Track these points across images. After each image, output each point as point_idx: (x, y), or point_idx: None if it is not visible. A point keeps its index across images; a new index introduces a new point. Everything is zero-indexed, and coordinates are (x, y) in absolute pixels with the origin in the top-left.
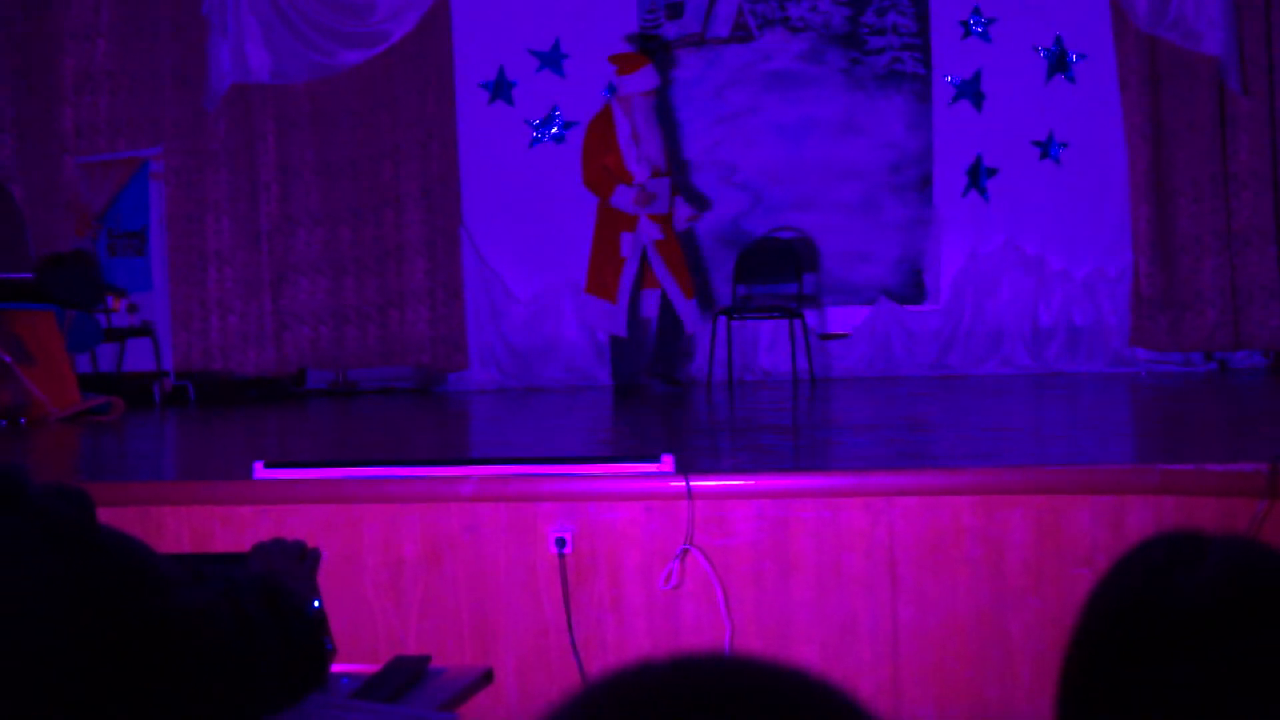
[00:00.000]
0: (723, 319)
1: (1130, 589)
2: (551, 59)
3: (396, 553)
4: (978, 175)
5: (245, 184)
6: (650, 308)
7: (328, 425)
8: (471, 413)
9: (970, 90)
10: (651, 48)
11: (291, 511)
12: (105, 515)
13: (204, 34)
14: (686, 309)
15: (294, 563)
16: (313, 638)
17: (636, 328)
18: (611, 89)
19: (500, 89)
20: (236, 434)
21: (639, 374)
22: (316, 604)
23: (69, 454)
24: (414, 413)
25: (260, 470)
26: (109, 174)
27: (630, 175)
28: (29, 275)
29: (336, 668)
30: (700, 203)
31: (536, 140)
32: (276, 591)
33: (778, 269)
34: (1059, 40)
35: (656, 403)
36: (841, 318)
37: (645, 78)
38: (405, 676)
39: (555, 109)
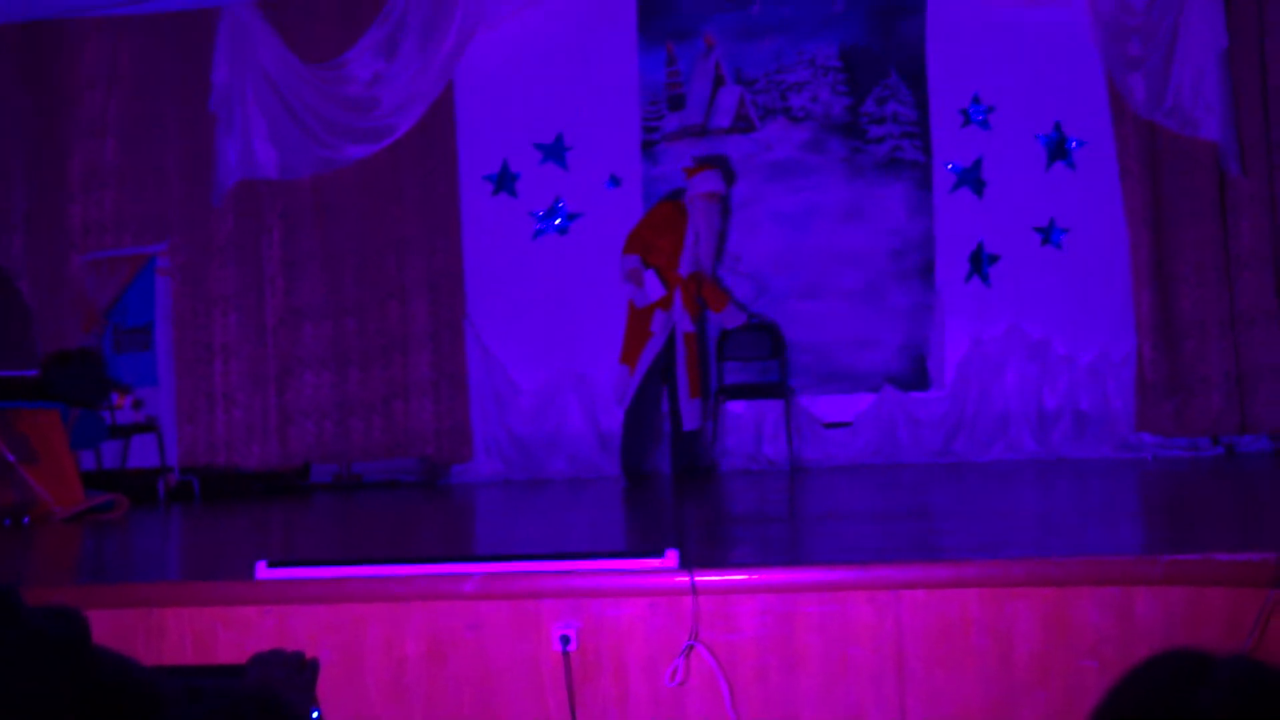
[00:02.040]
0: (724, 407)
1: (1138, 709)
2: (555, 151)
3: (399, 652)
4: (980, 261)
5: (251, 278)
6: (665, 400)
7: (331, 521)
8: (476, 506)
9: (971, 177)
10: (714, 158)
11: (294, 612)
12: (108, 617)
13: (211, 130)
14: (689, 407)
15: (293, 673)
16: None
17: (650, 414)
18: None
19: (504, 181)
20: (240, 531)
21: (643, 461)
22: (316, 715)
23: (71, 554)
24: (418, 507)
25: (263, 570)
26: (115, 270)
27: (674, 266)
28: (34, 373)
29: None
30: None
31: (540, 232)
32: (274, 705)
33: (757, 351)
34: (1058, 127)
35: (660, 495)
36: (845, 405)
37: (707, 180)
38: None
39: (559, 200)
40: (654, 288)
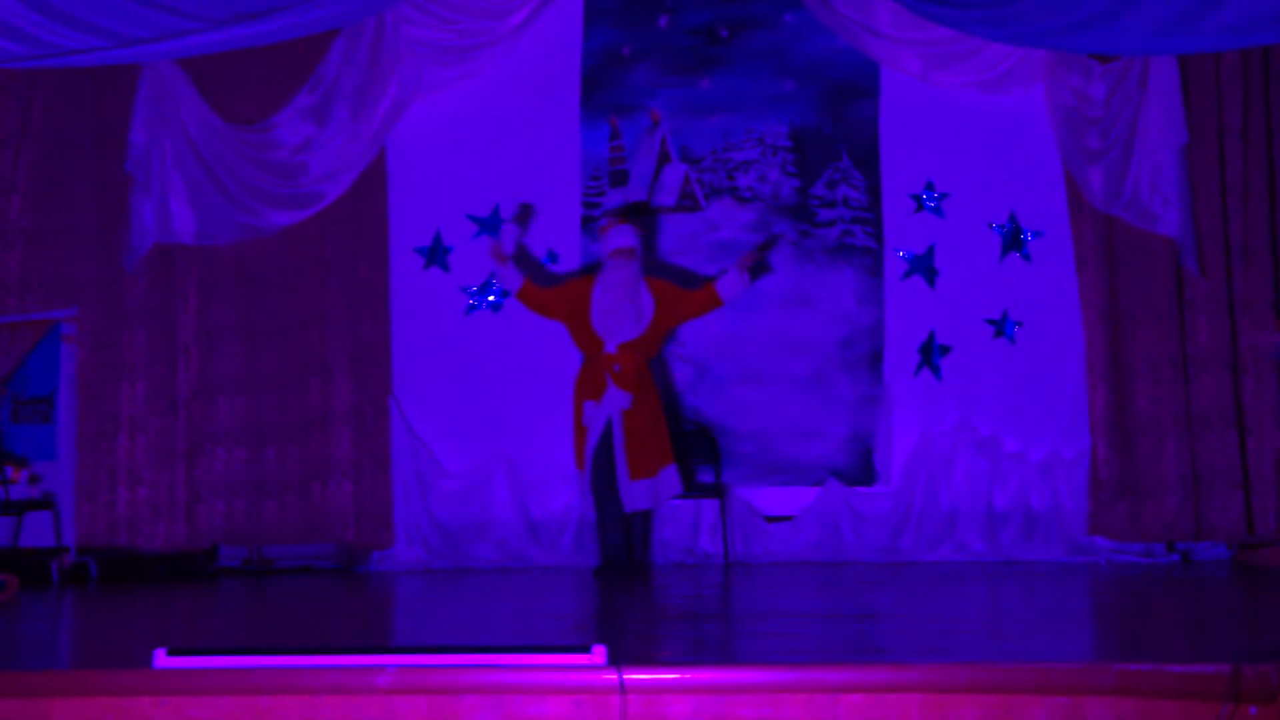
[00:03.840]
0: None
1: None
2: (490, 225)
3: None
4: (930, 352)
5: (164, 347)
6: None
7: (239, 607)
8: (395, 595)
9: (923, 265)
10: (629, 208)
11: (194, 704)
12: None
13: (127, 191)
14: (628, 490)
15: None
16: None
17: (609, 505)
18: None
19: (436, 254)
20: (139, 617)
21: (618, 552)
22: None
23: None
24: (333, 594)
25: (161, 658)
26: (17, 335)
27: (597, 342)
28: None
29: None
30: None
31: (473, 308)
32: None
33: (695, 453)
34: (1013, 217)
35: (590, 588)
36: (788, 498)
37: (618, 235)
38: None
39: (493, 276)
40: (509, 237)
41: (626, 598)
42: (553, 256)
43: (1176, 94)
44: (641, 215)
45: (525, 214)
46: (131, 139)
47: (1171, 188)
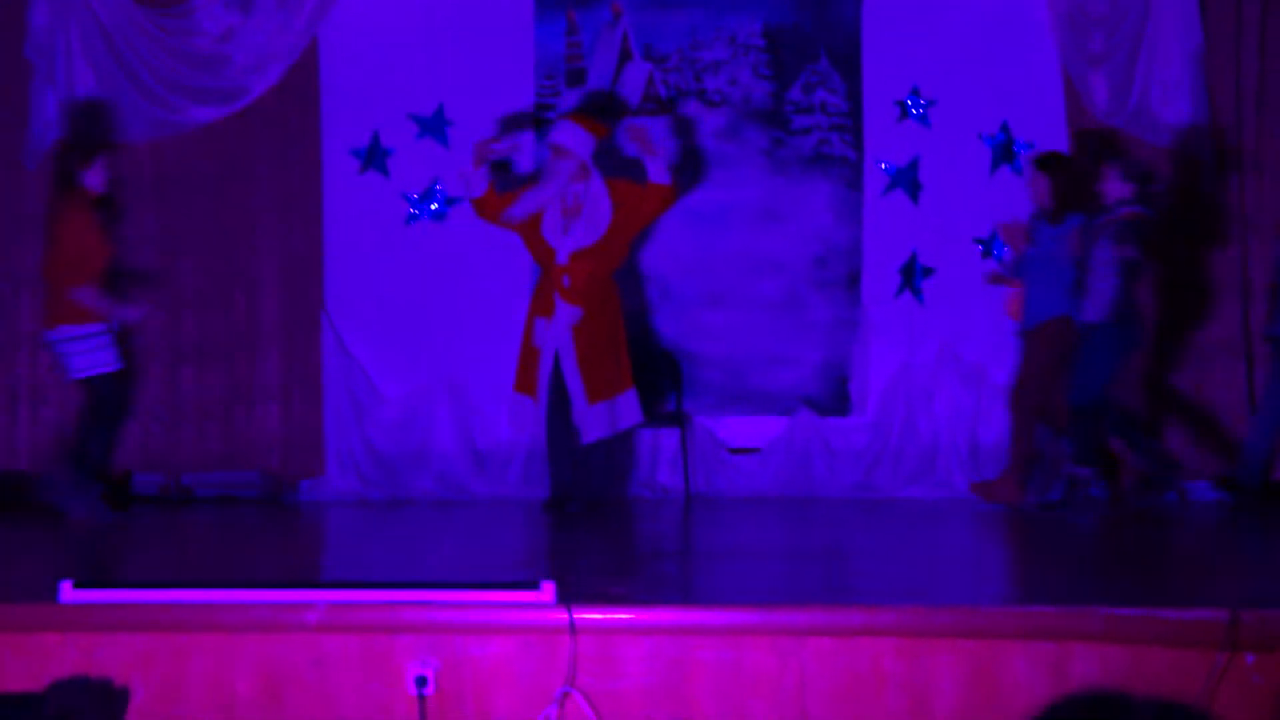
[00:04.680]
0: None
1: None
2: (434, 126)
3: (228, 690)
4: (912, 274)
5: None
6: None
7: (153, 538)
8: (325, 527)
9: (906, 179)
10: (586, 103)
11: (103, 641)
12: None
13: (26, 81)
14: (587, 416)
15: (97, 704)
16: None
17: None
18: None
19: (374, 157)
20: (43, 548)
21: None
22: None
23: None
24: (257, 526)
25: (68, 591)
26: None
27: (549, 252)
28: None
29: None
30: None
31: (414, 217)
32: None
33: (654, 381)
34: (1006, 127)
35: (540, 523)
36: (754, 429)
37: (560, 131)
38: None
39: (436, 182)
40: (507, 143)
41: (578, 534)
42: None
43: None
44: (604, 114)
45: (522, 122)
46: (31, 21)
47: (1184, 96)
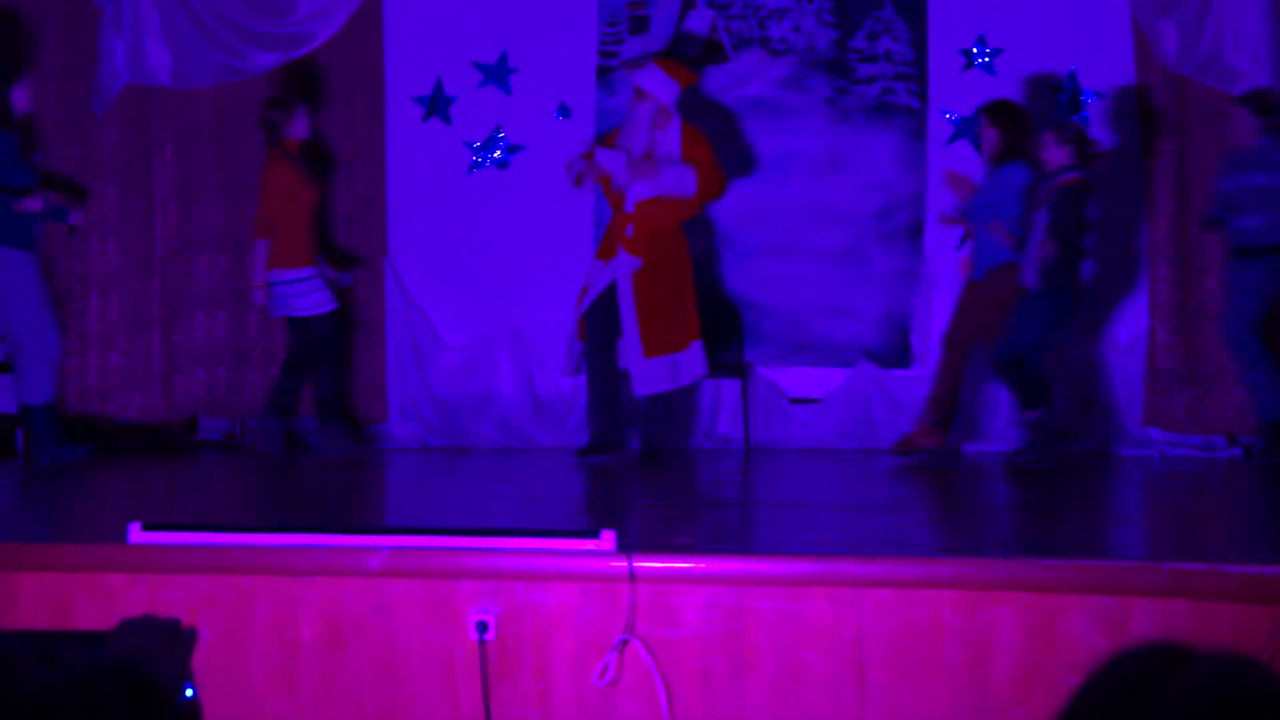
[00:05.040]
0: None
1: (1113, 699)
2: (497, 74)
3: (291, 634)
4: None
5: (138, 202)
6: (623, 355)
7: (220, 483)
8: (388, 473)
9: (971, 129)
10: (670, 49)
11: (170, 583)
12: None
13: (95, 26)
14: (642, 369)
15: (164, 643)
16: None
17: (599, 381)
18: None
19: (436, 105)
20: (112, 490)
21: (602, 433)
22: (190, 693)
23: None
24: (320, 471)
25: (136, 533)
26: None
27: (619, 197)
28: None
29: None
30: None
31: (476, 165)
32: (140, 677)
33: (718, 326)
34: (1073, 77)
35: (600, 472)
36: (815, 380)
37: (643, 76)
38: None
39: (499, 130)
40: (609, 160)
41: (638, 483)
42: (565, 110)
43: None
44: (687, 61)
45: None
46: None
47: (1260, 42)
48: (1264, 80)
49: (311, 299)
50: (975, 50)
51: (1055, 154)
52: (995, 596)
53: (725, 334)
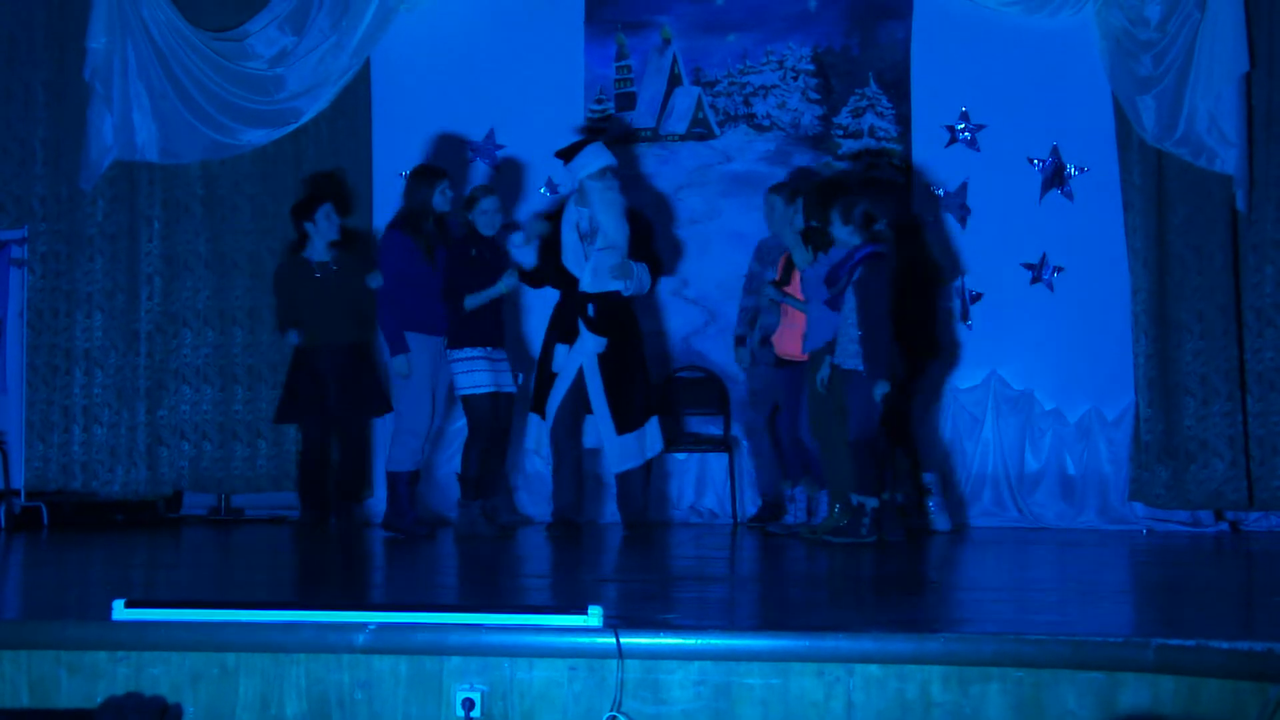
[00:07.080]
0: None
1: None
2: (484, 150)
3: (276, 711)
4: (961, 299)
5: (124, 276)
6: (592, 435)
7: (204, 559)
8: (373, 549)
9: (955, 203)
10: (601, 128)
11: (154, 660)
12: None
13: (85, 102)
14: (615, 446)
15: None
16: None
17: (566, 458)
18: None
19: None
20: (95, 566)
21: (568, 509)
22: None
23: None
24: (305, 547)
25: (120, 610)
26: None
27: (566, 270)
28: None
29: None
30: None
31: None
32: None
33: (701, 403)
34: (1056, 151)
35: (587, 547)
36: None
37: (591, 157)
38: None
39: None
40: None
41: (625, 558)
42: (551, 186)
43: (1239, 14)
44: (616, 141)
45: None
46: (90, 45)
47: (1231, 121)
48: (1234, 156)
49: (468, 379)
50: (959, 126)
51: (840, 231)
52: (984, 672)
53: (711, 407)
